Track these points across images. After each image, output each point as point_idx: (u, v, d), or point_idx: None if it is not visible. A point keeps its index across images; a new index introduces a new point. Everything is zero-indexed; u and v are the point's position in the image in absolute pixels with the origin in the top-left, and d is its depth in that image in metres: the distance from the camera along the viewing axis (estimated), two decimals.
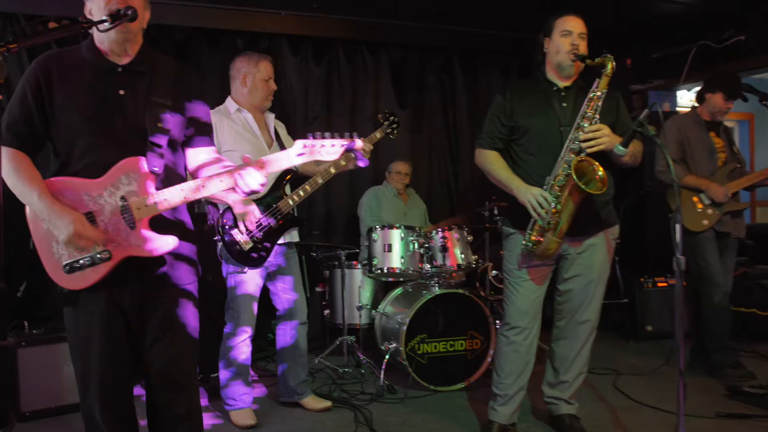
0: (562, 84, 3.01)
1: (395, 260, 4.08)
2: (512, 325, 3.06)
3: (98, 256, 1.98)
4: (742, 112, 7.60)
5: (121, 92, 2.05)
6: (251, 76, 3.39)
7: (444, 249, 4.09)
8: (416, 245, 4.12)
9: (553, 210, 2.77)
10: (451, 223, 4.88)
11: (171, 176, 2.10)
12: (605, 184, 2.76)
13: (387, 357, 3.92)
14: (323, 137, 1.97)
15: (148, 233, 2.00)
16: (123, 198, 1.98)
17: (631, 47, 6.09)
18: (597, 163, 2.78)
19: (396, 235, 4.12)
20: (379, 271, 4.11)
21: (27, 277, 4.70)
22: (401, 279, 4.32)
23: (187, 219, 2.21)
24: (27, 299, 4.60)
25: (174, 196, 2.00)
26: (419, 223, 5.07)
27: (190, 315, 2.16)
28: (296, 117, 5.38)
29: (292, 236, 3.49)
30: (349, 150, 1.98)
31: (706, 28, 5.50)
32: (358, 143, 1.99)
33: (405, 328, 3.81)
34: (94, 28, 1.92)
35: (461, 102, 5.99)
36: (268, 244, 3.26)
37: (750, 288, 5.08)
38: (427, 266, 4.10)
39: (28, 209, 2.04)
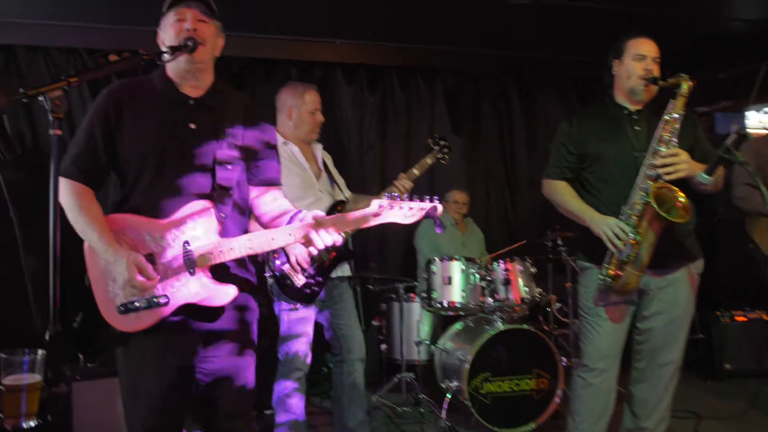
0: (633, 107, 2.83)
1: (455, 293, 3.91)
2: (590, 367, 2.84)
3: (155, 300, 1.88)
4: None
5: (192, 126, 1.97)
6: (296, 109, 3.25)
7: (507, 282, 3.89)
8: (477, 278, 3.94)
9: (633, 241, 2.58)
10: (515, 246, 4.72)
11: (236, 218, 2.01)
12: (688, 212, 2.55)
13: (448, 396, 3.73)
14: (401, 198, 1.87)
15: (209, 281, 1.91)
16: (186, 243, 1.89)
17: (697, 67, 5.82)
18: (678, 190, 2.57)
19: (456, 267, 3.95)
20: (438, 305, 3.94)
21: (84, 308, 4.73)
22: (461, 313, 4.13)
23: (250, 267, 2.11)
24: (82, 331, 4.61)
25: (240, 246, 1.89)
26: (477, 253, 4.88)
27: (248, 365, 2.06)
28: (351, 146, 5.31)
29: (345, 270, 3.37)
30: (427, 216, 1.88)
31: None
32: (439, 209, 1.90)
33: (468, 365, 3.62)
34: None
35: (518, 129, 5.83)
36: (320, 279, 3.14)
37: None
38: (489, 300, 3.91)
39: (86, 244, 1.97)
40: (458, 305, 3.91)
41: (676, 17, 4.69)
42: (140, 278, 1.84)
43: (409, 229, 5.14)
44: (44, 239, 1.56)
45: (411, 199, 1.88)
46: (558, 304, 4.64)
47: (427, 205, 1.89)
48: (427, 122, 5.53)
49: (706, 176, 2.44)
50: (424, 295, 4.19)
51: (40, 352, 1.49)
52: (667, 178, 2.57)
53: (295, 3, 4.37)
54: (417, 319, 4.21)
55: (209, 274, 1.91)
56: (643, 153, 2.70)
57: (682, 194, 2.56)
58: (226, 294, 1.91)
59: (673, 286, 2.78)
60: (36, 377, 1.47)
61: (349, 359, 3.36)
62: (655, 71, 2.76)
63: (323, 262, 3.15)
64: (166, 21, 1.99)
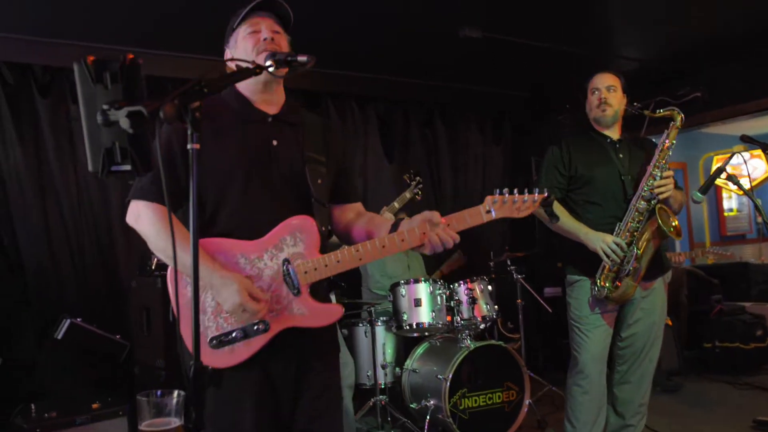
0: (615, 137, 3.14)
1: (425, 315, 3.99)
2: (586, 374, 3.06)
3: (254, 328, 1.76)
4: (677, 162, 8.27)
5: (275, 143, 1.89)
6: None
7: (472, 301, 4.05)
8: (444, 298, 4.06)
9: (634, 255, 2.84)
10: (455, 264, 4.91)
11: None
12: (679, 232, 2.87)
13: (428, 417, 3.79)
14: (511, 193, 1.88)
15: (311, 301, 1.82)
16: (287, 261, 1.80)
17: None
18: (671, 212, 2.90)
19: (424, 289, 4.04)
20: (408, 327, 4.00)
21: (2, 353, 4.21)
22: (426, 334, 4.22)
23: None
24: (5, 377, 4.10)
25: (348, 258, 1.81)
26: (421, 274, 5.00)
27: (339, 388, 2.00)
28: None
29: (332, 298, 3.35)
30: (543, 205, 1.91)
31: (664, 83, 5.91)
32: (552, 197, 1.91)
33: (447, 383, 3.72)
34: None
35: (444, 156, 6.08)
36: None
37: (732, 323, 5.40)
38: (457, 319, 4.05)
39: (169, 272, 1.84)
40: (427, 326, 4.00)
41: (583, 54, 5.18)
42: (254, 303, 1.73)
43: None
44: None
45: (521, 194, 1.90)
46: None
47: (537, 196, 1.90)
48: (362, 148, 5.61)
49: (700, 195, 2.76)
50: (385, 318, 4.26)
51: (177, 392, 1.36)
52: (661, 197, 2.88)
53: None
54: (383, 342, 4.24)
55: (309, 294, 1.82)
56: (628, 177, 3.02)
57: (674, 216, 2.89)
58: (333, 312, 1.85)
59: (653, 294, 3.09)
60: (176, 421, 1.34)
61: None
62: (612, 98, 3.08)
63: None
64: (237, 36, 1.91)
